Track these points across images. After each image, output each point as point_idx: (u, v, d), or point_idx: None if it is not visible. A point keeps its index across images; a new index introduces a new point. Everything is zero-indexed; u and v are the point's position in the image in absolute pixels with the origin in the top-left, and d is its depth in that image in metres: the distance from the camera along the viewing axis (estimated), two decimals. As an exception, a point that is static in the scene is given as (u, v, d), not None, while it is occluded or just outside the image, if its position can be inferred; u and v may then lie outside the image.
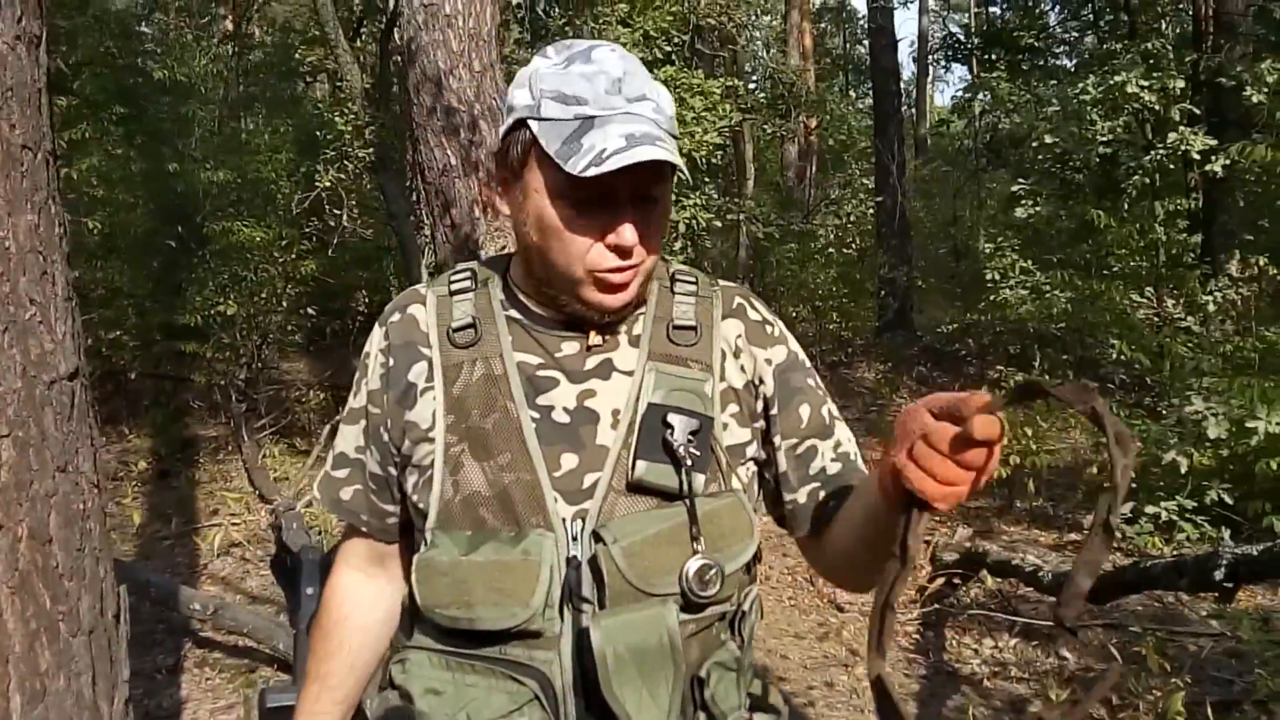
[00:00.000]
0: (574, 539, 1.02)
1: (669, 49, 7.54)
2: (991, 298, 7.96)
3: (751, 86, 12.06)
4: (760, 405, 1.13)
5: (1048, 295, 7.49)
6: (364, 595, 1.19)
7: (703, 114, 7.26)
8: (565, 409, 1.06)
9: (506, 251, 1.39)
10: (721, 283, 1.18)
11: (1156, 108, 7.04)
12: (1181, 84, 7.09)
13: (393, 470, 1.13)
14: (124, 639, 1.22)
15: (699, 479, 1.03)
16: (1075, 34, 16.14)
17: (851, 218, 10.11)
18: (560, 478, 1.04)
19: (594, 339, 1.09)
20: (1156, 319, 7.13)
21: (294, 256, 8.12)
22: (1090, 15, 14.27)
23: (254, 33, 14.65)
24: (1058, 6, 15.86)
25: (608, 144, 0.97)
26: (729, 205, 9.30)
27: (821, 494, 1.11)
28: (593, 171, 0.96)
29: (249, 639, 3.88)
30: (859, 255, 11.12)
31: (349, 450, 1.16)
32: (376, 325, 1.17)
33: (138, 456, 6.96)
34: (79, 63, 8.22)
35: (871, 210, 10.92)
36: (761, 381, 1.13)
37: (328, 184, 7.70)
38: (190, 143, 9.45)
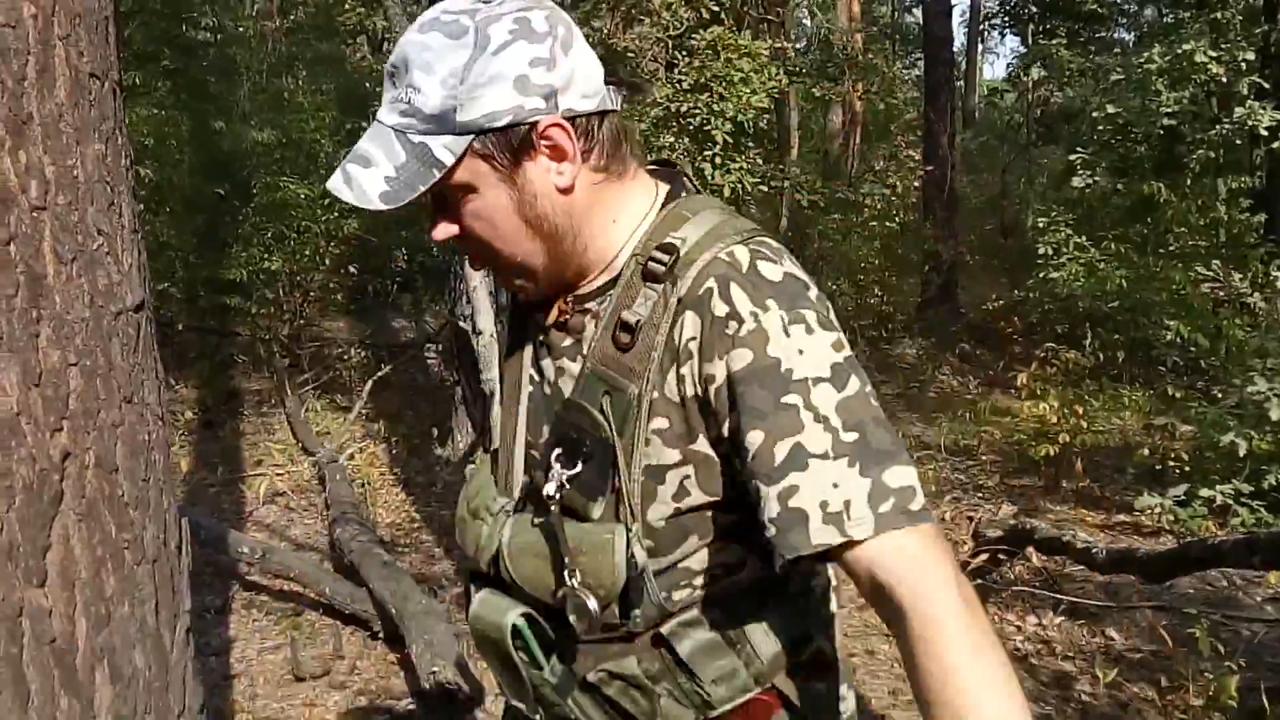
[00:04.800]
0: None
1: (716, 8, 7.40)
2: (1042, 274, 7.77)
3: (799, 48, 11.86)
4: (712, 420, 0.93)
5: (1101, 272, 7.30)
6: None
7: (750, 75, 7.11)
8: (548, 380, 1.06)
9: None
10: (711, 252, 0.93)
11: (1224, 80, 6.83)
12: (1251, 56, 6.87)
13: None
14: (186, 570, 1.23)
15: (595, 507, 0.96)
16: (1135, 5, 15.69)
17: (897, 189, 9.90)
18: (534, 446, 1.07)
19: (553, 315, 1.03)
20: (1221, 296, 6.92)
21: (336, 215, 8.13)
22: (1153, -14, 13.87)
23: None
24: (1118, -24, 15.39)
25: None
26: (774, 171, 9.14)
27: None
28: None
29: (295, 583, 3.94)
30: (902, 229, 10.92)
31: None
32: None
33: (184, 406, 7.05)
34: (128, 11, 8.26)
35: (917, 183, 10.67)
36: (709, 397, 0.92)
37: (371, 141, 7.67)
38: (235, 100, 9.48)
